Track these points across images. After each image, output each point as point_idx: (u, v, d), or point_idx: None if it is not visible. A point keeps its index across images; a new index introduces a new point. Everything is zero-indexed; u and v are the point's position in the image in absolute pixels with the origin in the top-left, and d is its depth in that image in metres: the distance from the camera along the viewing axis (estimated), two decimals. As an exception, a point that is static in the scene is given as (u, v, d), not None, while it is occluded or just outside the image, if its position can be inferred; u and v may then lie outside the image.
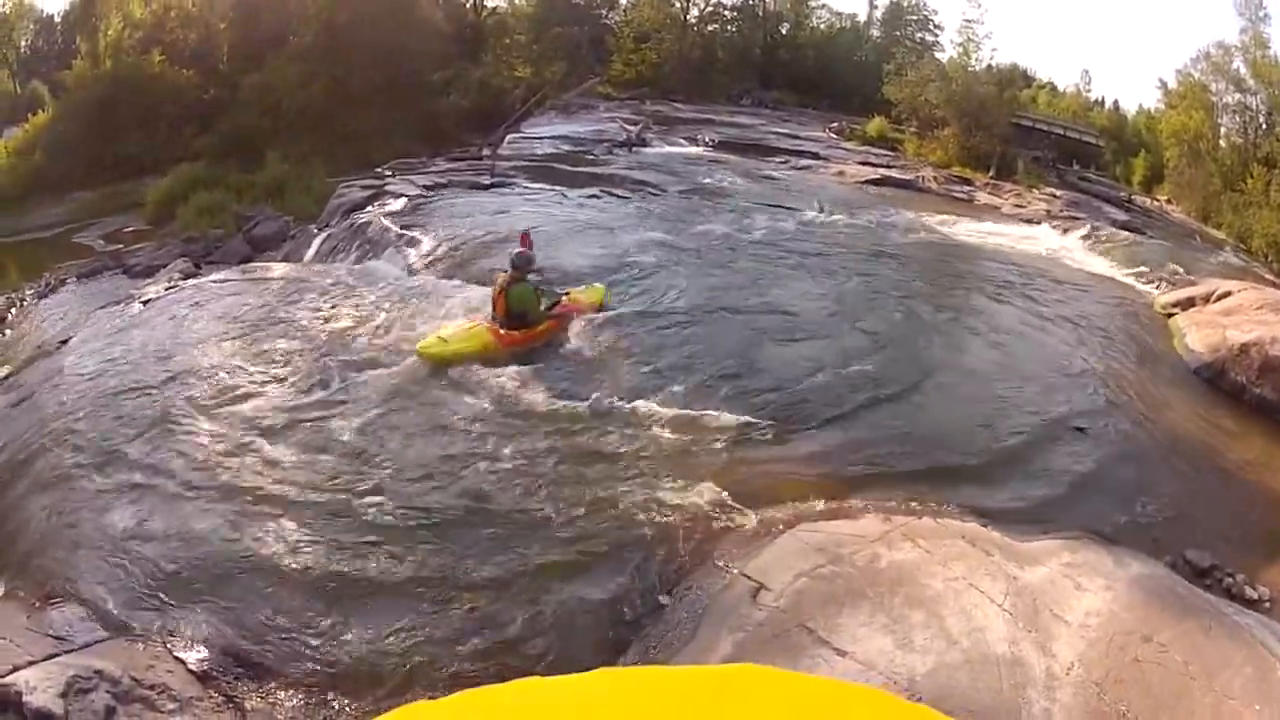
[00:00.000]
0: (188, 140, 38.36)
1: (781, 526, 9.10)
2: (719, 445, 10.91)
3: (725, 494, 9.75)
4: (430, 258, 19.38)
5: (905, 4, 72.88)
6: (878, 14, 75.43)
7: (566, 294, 15.38)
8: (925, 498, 9.93)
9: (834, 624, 7.37)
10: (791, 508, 9.58)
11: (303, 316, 15.98)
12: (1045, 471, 11.17)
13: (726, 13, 71.40)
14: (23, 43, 62.11)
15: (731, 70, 66.26)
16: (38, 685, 7.79)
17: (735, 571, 8.35)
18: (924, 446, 11.38)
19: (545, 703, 3.21)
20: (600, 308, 15.57)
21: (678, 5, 67.73)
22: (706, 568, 8.61)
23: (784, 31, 73.51)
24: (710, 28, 69.94)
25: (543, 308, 14.52)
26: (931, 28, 70.91)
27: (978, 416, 12.46)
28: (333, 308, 16.20)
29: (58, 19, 67.62)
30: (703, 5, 69.85)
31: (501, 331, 13.94)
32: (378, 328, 15.06)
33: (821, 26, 75.27)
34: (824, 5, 76.42)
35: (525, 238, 14.98)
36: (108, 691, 7.82)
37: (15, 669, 8.16)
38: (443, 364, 13.14)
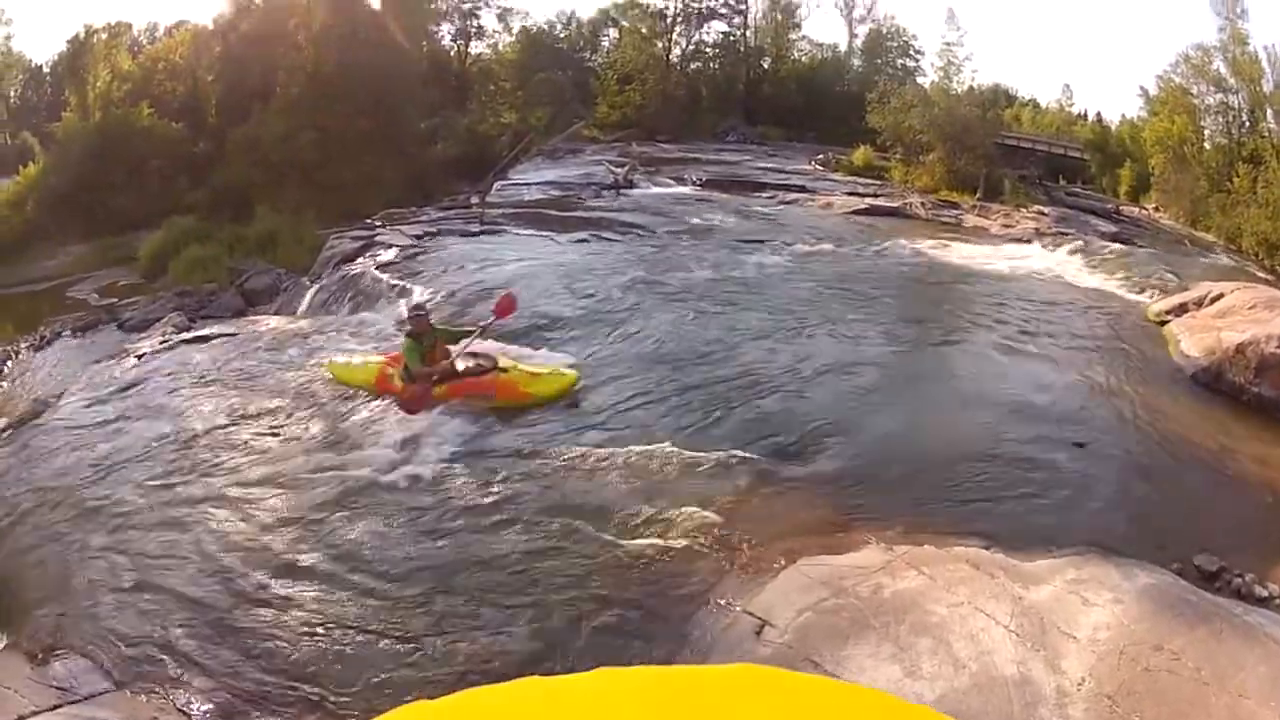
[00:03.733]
0: (179, 193, 38.42)
1: (782, 562, 9.08)
2: (716, 484, 10.91)
3: (724, 532, 9.77)
4: (429, 304, 19.16)
5: (885, 30, 73.16)
6: (858, 43, 75.72)
7: (502, 369, 14.06)
8: (926, 525, 9.90)
9: (840, 656, 7.38)
10: (792, 542, 9.53)
11: (296, 372, 16.06)
12: (1046, 490, 11.15)
13: (708, 50, 71.72)
14: (12, 93, 62.19)
15: (716, 108, 66.41)
16: None
17: (738, 609, 8.36)
18: (923, 473, 11.39)
19: (545, 703, 3.22)
20: (563, 396, 13.99)
21: (660, 45, 68.07)
22: (709, 608, 8.62)
23: (765, 66, 73.72)
24: (693, 66, 70.17)
25: (461, 366, 14.04)
26: (912, 53, 71.23)
27: (975, 440, 12.44)
28: (328, 362, 16.13)
29: (46, 70, 67.72)
30: (684, 44, 70.28)
31: (396, 382, 13.93)
32: None
33: (803, 59, 75.37)
34: (804, 37, 76.68)
35: (508, 300, 14.48)
36: None
37: (20, 719, 8.25)
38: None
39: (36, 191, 42.57)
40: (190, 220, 34.02)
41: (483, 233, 27.17)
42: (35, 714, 8.36)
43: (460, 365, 13.97)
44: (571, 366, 14.63)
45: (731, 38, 71.84)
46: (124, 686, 8.84)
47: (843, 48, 76.70)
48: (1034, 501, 10.87)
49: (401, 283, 21.21)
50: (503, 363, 14.16)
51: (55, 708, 8.52)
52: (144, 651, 9.19)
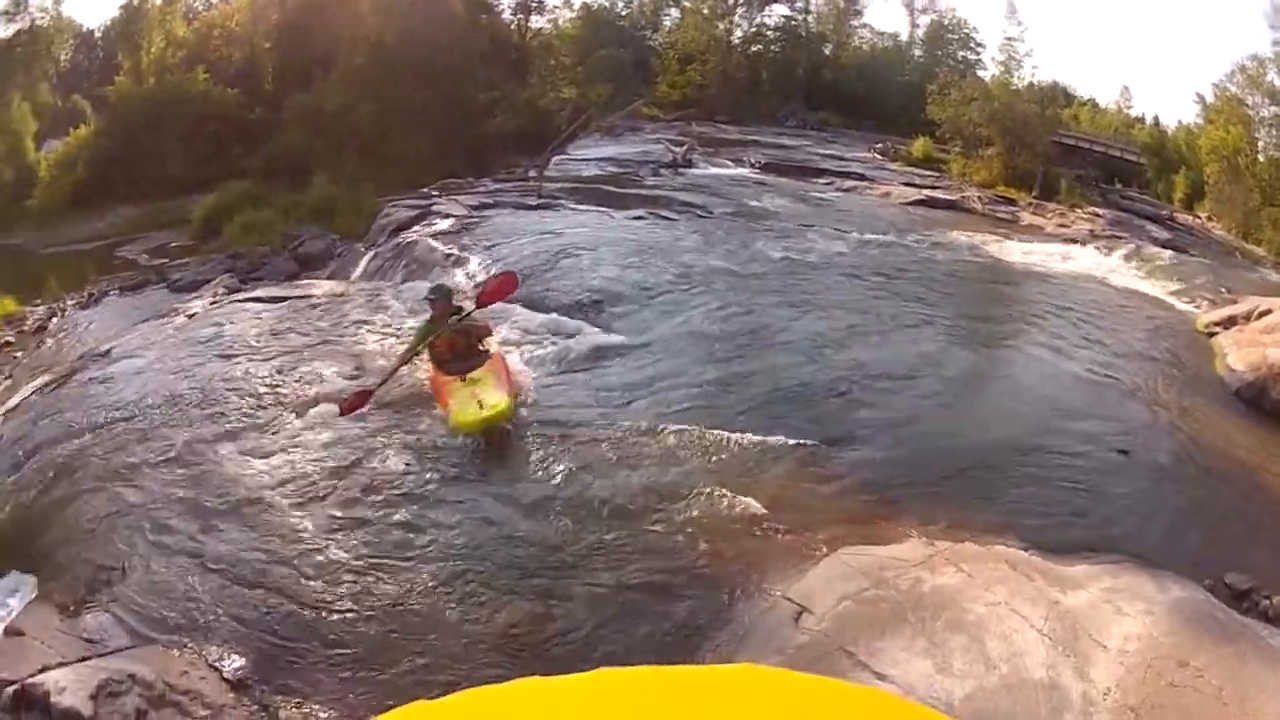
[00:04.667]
0: (233, 159, 38.52)
1: (825, 549, 9.01)
2: (762, 468, 10.83)
3: (767, 517, 9.69)
4: (477, 279, 19.37)
5: (946, 22, 72.32)
6: (919, 34, 74.96)
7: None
8: (968, 521, 9.78)
9: (875, 648, 7.36)
10: (835, 530, 9.45)
11: (348, 336, 16.19)
12: (1087, 494, 11.03)
13: (770, 34, 71.20)
14: (62, 56, 62.36)
15: (776, 91, 65.97)
16: (67, 686, 7.81)
17: (778, 595, 8.33)
18: (967, 468, 11.30)
19: (545, 703, 3.20)
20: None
21: (721, 27, 67.66)
22: (749, 591, 8.55)
23: (827, 52, 73.24)
24: (754, 49, 69.74)
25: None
26: (973, 46, 70.25)
27: (1021, 440, 12.32)
28: (379, 327, 16.31)
29: (98, 34, 68.09)
30: (746, 26, 69.81)
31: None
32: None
33: (864, 47, 74.90)
34: (865, 25, 76.15)
35: (507, 280, 13.98)
36: (140, 695, 7.82)
37: (45, 669, 8.23)
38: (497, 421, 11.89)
39: (87, 153, 43.47)
40: (245, 185, 34.32)
41: (540, 206, 27.18)
42: (61, 665, 8.35)
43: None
44: (616, 349, 14.69)
45: (793, 22, 71.25)
46: (155, 641, 8.79)
47: (904, 37, 75.98)
48: (1075, 505, 10.79)
49: (456, 252, 21.36)
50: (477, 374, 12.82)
51: (83, 659, 8.50)
52: (177, 608, 9.18)
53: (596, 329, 15.67)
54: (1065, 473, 11.45)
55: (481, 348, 13.24)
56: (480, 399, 11.83)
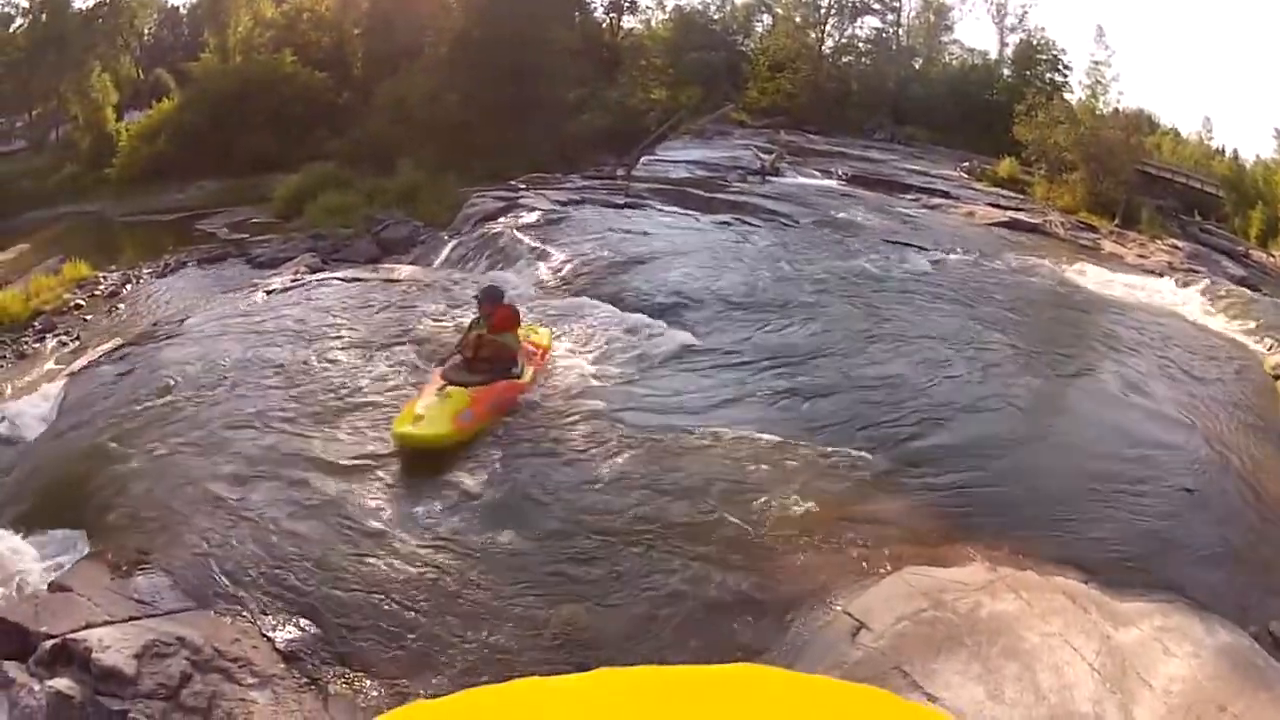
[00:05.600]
0: (319, 141, 38.73)
1: (888, 566, 9.02)
2: (832, 480, 10.80)
3: (834, 530, 9.71)
4: (562, 273, 19.90)
5: (1035, 42, 71.46)
6: (1008, 52, 74.24)
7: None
8: (1030, 549, 9.71)
9: (929, 669, 7.39)
10: (899, 549, 9.44)
11: (428, 321, 16.29)
12: (1148, 530, 10.94)
13: (860, 45, 70.84)
14: (146, 30, 63.02)
15: (864, 104, 65.47)
16: (111, 644, 7.86)
17: (838, 609, 8.36)
18: (1034, 496, 11.21)
19: (545, 703, 3.19)
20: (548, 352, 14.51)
21: (813, 36, 67.35)
22: (810, 603, 8.57)
23: (916, 66, 72.71)
24: (845, 59, 69.39)
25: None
26: (1061, 68, 69.40)
27: (1088, 470, 12.22)
28: (459, 315, 16.33)
29: (183, 10, 69.08)
30: (837, 37, 69.49)
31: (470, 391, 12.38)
32: None
33: (954, 63, 74.29)
34: (955, 40, 75.56)
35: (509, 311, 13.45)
36: (186, 659, 7.87)
37: (89, 625, 8.28)
38: (430, 450, 11.67)
39: (169, 127, 44.42)
40: (330, 168, 34.59)
41: (627, 205, 27.43)
42: (108, 623, 8.40)
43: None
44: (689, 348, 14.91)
45: (884, 34, 70.91)
46: (207, 607, 8.87)
47: (993, 55, 75.27)
48: (1135, 540, 10.69)
49: (541, 245, 21.72)
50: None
51: (131, 619, 8.56)
52: (232, 576, 9.29)
53: (676, 330, 15.74)
54: (1128, 507, 11.36)
55: (514, 370, 13.04)
56: (423, 416, 11.74)
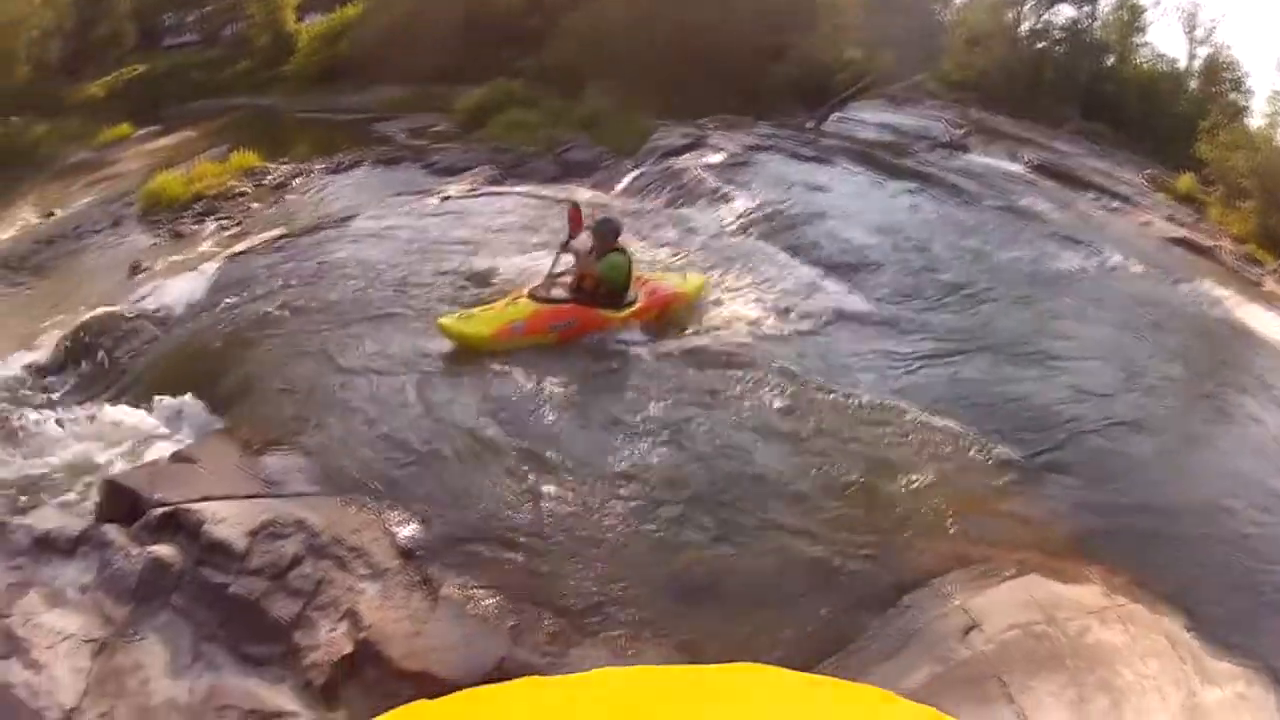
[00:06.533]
0: (506, 60, 38.77)
1: (1012, 570, 8.68)
2: (975, 473, 10.48)
3: (969, 524, 9.37)
4: (744, 217, 19.59)
5: (1220, 60, 69.42)
6: (1196, 64, 72.29)
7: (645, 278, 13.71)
8: (1149, 581, 9.20)
9: (1026, 685, 7.10)
10: (1025, 554, 9.05)
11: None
12: (1260, 593, 10.17)
13: (1055, 33, 69.47)
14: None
15: (1055, 93, 64.19)
16: (226, 518, 8.01)
17: (956, 603, 8.07)
18: (1161, 530, 10.53)
19: (545, 703, 3.19)
20: (690, 301, 14.18)
21: (1010, 16, 66.13)
22: (931, 590, 8.31)
23: (1108, 64, 71.16)
24: (1039, 45, 68.09)
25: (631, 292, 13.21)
26: (1243, 90, 67.39)
27: (1220, 517, 11.39)
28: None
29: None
30: (1033, 21, 68.15)
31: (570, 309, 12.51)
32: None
33: (1144, 66, 72.57)
34: (1147, 43, 73.69)
35: (575, 213, 13.21)
36: (302, 542, 7.96)
37: (206, 498, 8.37)
38: (468, 347, 11.90)
39: (351, 31, 44.80)
40: (516, 85, 34.57)
41: (813, 159, 26.94)
42: (227, 498, 8.50)
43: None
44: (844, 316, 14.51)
45: (1079, 25, 69.36)
46: (333, 494, 8.88)
47: (1182, 65, 73.39)
48: (1245, 599, 9.95)
49: (724, 186, 21.46)
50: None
51: (252, 496, 8.66)
52: (364, 469, 9.26)
53: (847, 290, 15.61)
54: (1251, 565, 10.63)
55: (619, 302, 12.91)
56: (474, 315, 12.03)
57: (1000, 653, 7.32)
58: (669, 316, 13.55)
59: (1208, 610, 9.06)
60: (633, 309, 13.01)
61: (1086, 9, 68.46)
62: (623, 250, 12.99)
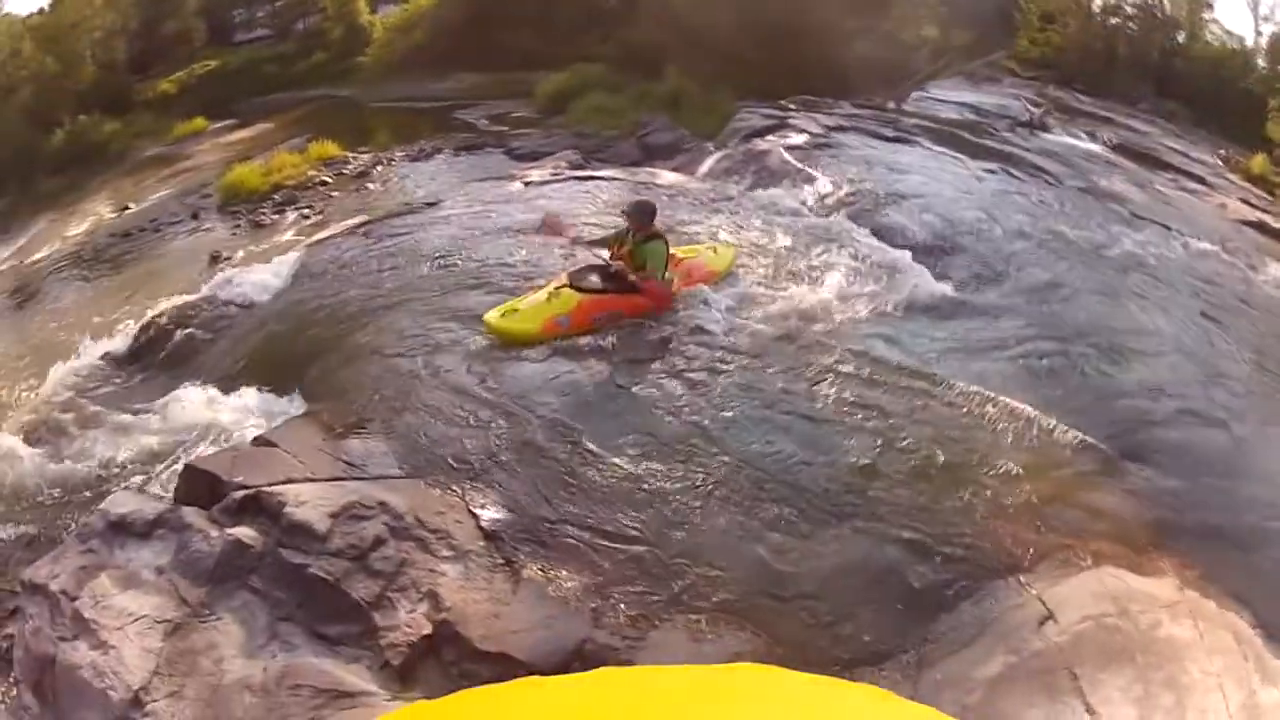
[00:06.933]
0: (586, 44, 38.86)
1: (1089, 561, 8.72)
2: (1055, 460, 10.45)
3: (1050, 512, 9.41)
4: (827, 198, 19.70)
5: (1281, 40, 68.18)
6: (1263, 42, 71.06)
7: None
8: (1220, 576, 9.17)
9: (1096, 679, 7.21)
10: (1103, 545, 9.07)
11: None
12: None
13: (1127, 8, 68.58)
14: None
15: (1130, 71, 63.45)
16: (308, 500, 8.31)
17: (1033, 593, 8.20)
18: (1237, 525, 10.44)
19: (545, 703, 3.22)
20: (722, 276, 14.25)
21: (1084, -11, 65.40)
22: (1008, 580, 8.40)
23: (1179, 41, 70.16)
24: (1112, 20, 67.27)
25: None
26: (1307, 69, 66.26)
27: None
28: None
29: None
30: (1105, -4, 67.39)
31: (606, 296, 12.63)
32: (786, 259, 15.38)
33: (1214, 43, 71.47)
34: (1215, 20, 72.48)
35: (552, 222, 13.96)
36: (384, 524, 8.23)
37: (288, 481, 8.72)
38: (515, 343, 12.07)
39: (427, 21, 44.78)
40: (597, 69, 34.71)
41: (895, 139, 26.97)
42: (309, 480, 8.80)
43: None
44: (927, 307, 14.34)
45: (1150, 1, 68.41)
46: (416, 476, 9.19)
47: (1249, 43, 72.16)
48: None
49: (808, 168, 21.51)
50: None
51: (335, 479, 8.95)
52: (446, 452, 9.63)
53: (929, 274, 15.53)
54: None
55: (640, 290, 12.89)
56: (518, 310, 12.20)
57: (1073, 645, 7.45)
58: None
59: (1275, 609, 9.10)
60: (672, 291, 13.18)
61: (1155, -17, 67.74)
62: (660, 234, 13.12)
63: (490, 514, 8.60)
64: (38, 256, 26.62)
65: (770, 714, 3.03)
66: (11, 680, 7.93)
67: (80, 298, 20.87)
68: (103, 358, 14.81)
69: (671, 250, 13.30)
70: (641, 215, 13.02)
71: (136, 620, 7.19)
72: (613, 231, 13.45)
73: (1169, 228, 23.64)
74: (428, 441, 9.69)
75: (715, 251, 14.72)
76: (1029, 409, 11.09)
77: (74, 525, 9.82)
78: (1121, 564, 8.74)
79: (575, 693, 3.25)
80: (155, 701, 6.57)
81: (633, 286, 12.65)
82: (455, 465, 9.29)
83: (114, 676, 6.70)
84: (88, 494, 10.92)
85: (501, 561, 8.11)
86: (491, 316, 11.99)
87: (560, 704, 3.15)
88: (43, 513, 10.93)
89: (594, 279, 12.64)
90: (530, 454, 9.56)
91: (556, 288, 12.49)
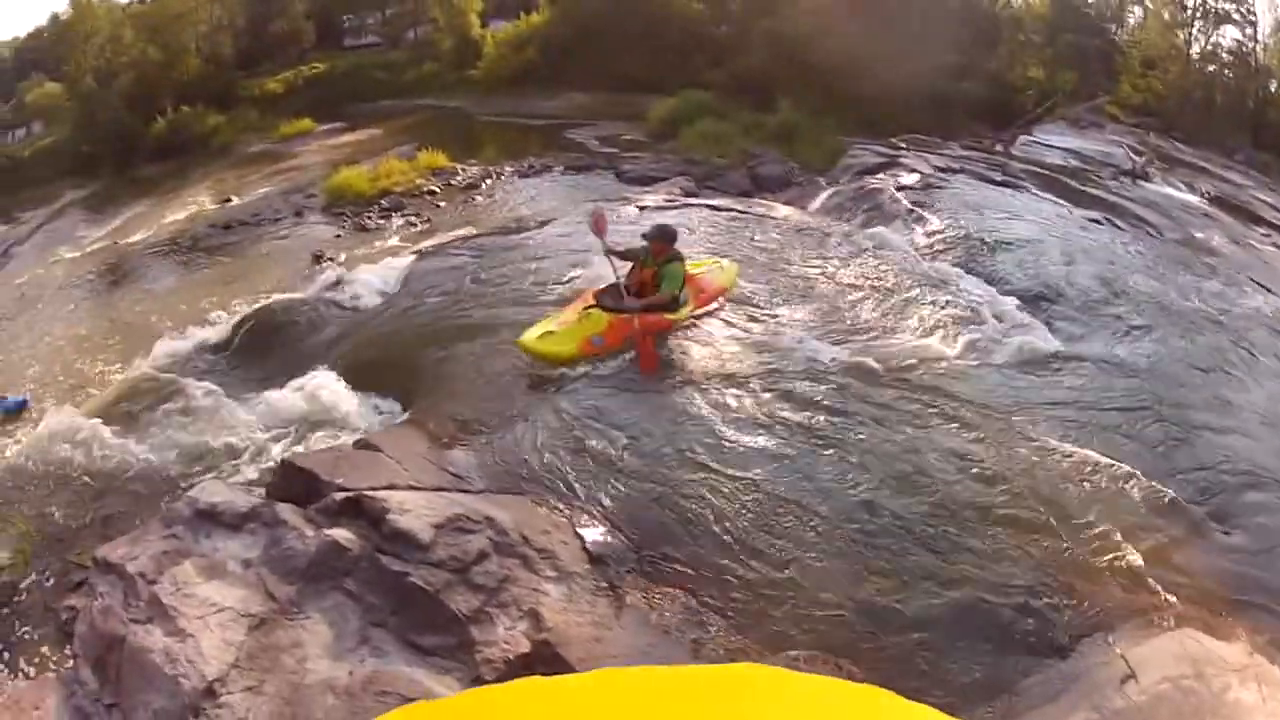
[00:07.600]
0: (696, 70, 39.34)
1: (1172, 622, 8.76)
2: (1149, 518, 10.43)
3: (1139, 570, 9.46)
4: (937, 240, 19.94)
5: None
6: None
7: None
8: None
9: None
10: (1187, 607, 9.11)
11: (812, 264, 16.78)
12: None
13: (1223, 55, 67.81)
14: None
15: (1226, 119, 62.77)
16: (413, 508, 8.26)
17: (1118, 652, 8.23)
18: None
19: (545, 703, 3.26)
20: (729, 290, 14.80)
21: (1181, 37, 64.80)
22: (1095, 639, 8.44)
23: (1273, 89, 69.23)
24: (1210, 68, 66.58)
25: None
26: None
27: None
28: (834, 263, 17.06)
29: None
30: (1203, 41, 66.65)
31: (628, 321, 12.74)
32: (897, 300, 15.58)
33: (1307, 94, 70.38)
34: (1307, 69, 71.52)
35: (600, 216, 13.66)
36: (489, 539, 8.17)
37: (391, 486, 8.78)
38: (550, 364, 12.28)
39: (538, 38, 46.13)
40: (707, 96, 35.00)
41: (1003, 184, 27.14)
42: (413, 489, 8.86)
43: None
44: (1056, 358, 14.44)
45: (1244, 48, 67.59)
46: (523, 493, 9.27)
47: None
48: None
49: (918, 209, 21.77)
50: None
51: (439, 489, 9.01)
52: (555, 470, 9.71)
53: (1031, 322, 15.65)
54: None
55: (673, 306, 13.42)
56: (554, 332, 12.35)
57: (1151, 705, 7.55)
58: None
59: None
60: (690, 308, 13.72)
61: (1249, 31, 66.81)
62: (679, 256, 13.56)
63: (596, 536, 8.69)
64: (133, 239, 27.52)
65: (770, 714, 3.12)
66: (68, 652, 8.15)
67: (176, 284, 21.53)
68: (197, 346, 15.25)
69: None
70: (664, 239, 13.46)
71: (219, 611, 7.28)
72: (640, 245, 13.61)
73: (1265, 286, 23.45)
74: (532, 458, 9.83)
75: (721, 267, 15.17)
76: (1121, 464, 11.18)
77: (152, 510, 10.13)
78: (1200, 625, 8.84)
79: (575, 693, 3.36)
80: (231, 694, 6.61)
81: (649, 302, 13.04)
82: (560, 485, 9.41)
83: (188, 665, 6.75)
84: (169, 480, 11.30)
85: (605, 585, 8.17)
86: (528, 338, 12.21)
87: (560, 704, 3.25)
88: (120, 494, 11.27)
89: (611, 300, 12.99)
90: (635, 479, 9.68)
91: (585, 309, 12.85)
